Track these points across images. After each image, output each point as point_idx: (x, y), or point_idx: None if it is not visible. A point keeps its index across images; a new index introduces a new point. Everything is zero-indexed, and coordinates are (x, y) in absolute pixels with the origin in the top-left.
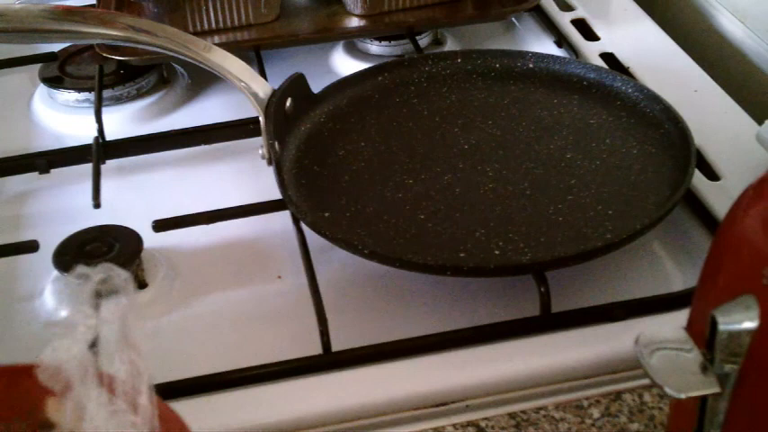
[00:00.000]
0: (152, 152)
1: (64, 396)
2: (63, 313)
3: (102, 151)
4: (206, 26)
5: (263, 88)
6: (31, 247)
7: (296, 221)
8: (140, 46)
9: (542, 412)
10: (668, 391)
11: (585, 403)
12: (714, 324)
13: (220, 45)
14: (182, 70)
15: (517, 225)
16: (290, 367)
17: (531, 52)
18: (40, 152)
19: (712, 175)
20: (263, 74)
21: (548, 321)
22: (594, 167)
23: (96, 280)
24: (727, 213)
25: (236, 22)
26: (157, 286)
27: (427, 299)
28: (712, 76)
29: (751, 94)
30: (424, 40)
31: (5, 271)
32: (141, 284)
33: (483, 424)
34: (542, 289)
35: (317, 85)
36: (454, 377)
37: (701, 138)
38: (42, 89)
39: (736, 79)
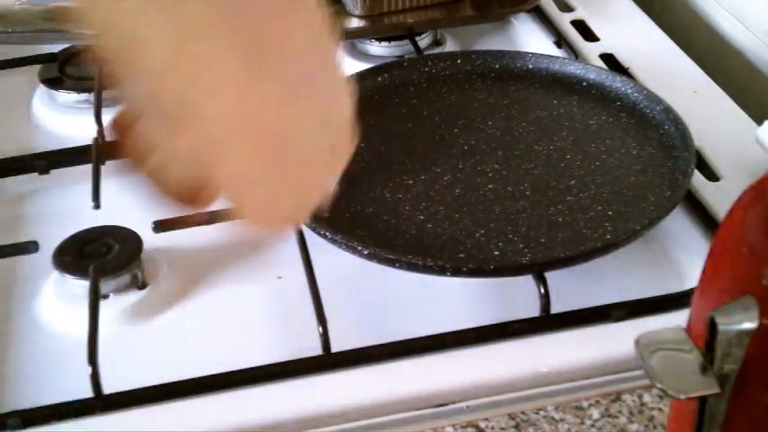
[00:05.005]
0: None
1: None
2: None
3: (101, 152)
4: None
5: None
6: (31, 247)
7: None
8: None
9: (542, 413)
10: (668, 391)
11: (585, 404)
12: (713, 325)
13: None
14: None
15: (517, 226)
16: (290, 367)
17: (531, 53)
18: (40, 153)
19: (712, 175)
20: None
21: (547, 322)
22: (594, 168)
23: None
24: (727, 214)
25: None
26: (157, 286)
27: (427, 299)
28: (712, 77)
29: (751, 94)
30: (423, 41)
31: (5, 271)
32: (141, 285)
33: (483, 425)
34: (542, 289)
35: None
36: (454, 377)
37: (700, 138)
38: (42, 90)
39: (736, 79)
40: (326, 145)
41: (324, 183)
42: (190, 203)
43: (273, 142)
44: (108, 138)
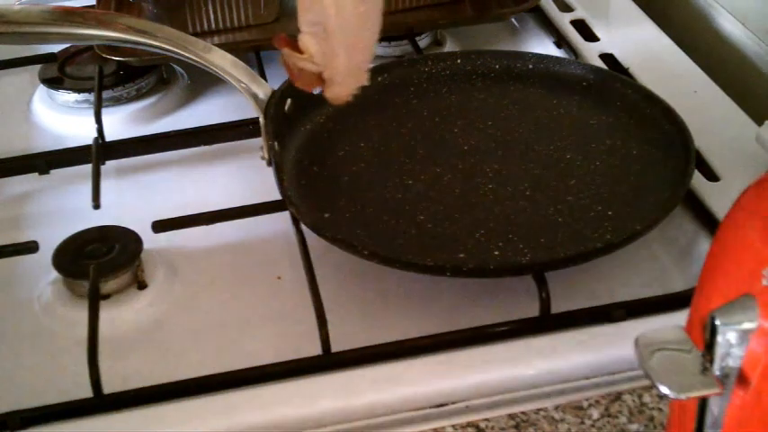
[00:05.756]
0: (152, 153)
1: None
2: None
3: (101, 152)
4: (206, 27)
5: (262, 89)
6: (31, 247)
7: (296, 222)
8: (140, 47)
9: (542, 413)
10: (668, 391)
11: (585, 404)
12: (713, 324)
13: (220, 46)
14: (181, 71)
15: (517, 226)
16: (290, 367)
17: (531, 53)
18: (40, 153)
19: (712, 175)
20: (262, 75)
21: (547, 322)
22: (594, 168)
23: None
24: (727, 214)
25: (236, 23)
26: (157, 286)
27: (427, 299)
28: (712, 77)
29: (751, 94)
30: (423, 41)
31: (5, 271)
32: (141, 285)
33: (483, 425)
34: (542, 290)
35: None
36: (454, 378)
37: (700, 138)
38: (42, 90)
39: (736, 80)
40: (370, 50)
41: (366, 70)
42: (300, 82)
43: (358, 44)
44: (276, 44)
